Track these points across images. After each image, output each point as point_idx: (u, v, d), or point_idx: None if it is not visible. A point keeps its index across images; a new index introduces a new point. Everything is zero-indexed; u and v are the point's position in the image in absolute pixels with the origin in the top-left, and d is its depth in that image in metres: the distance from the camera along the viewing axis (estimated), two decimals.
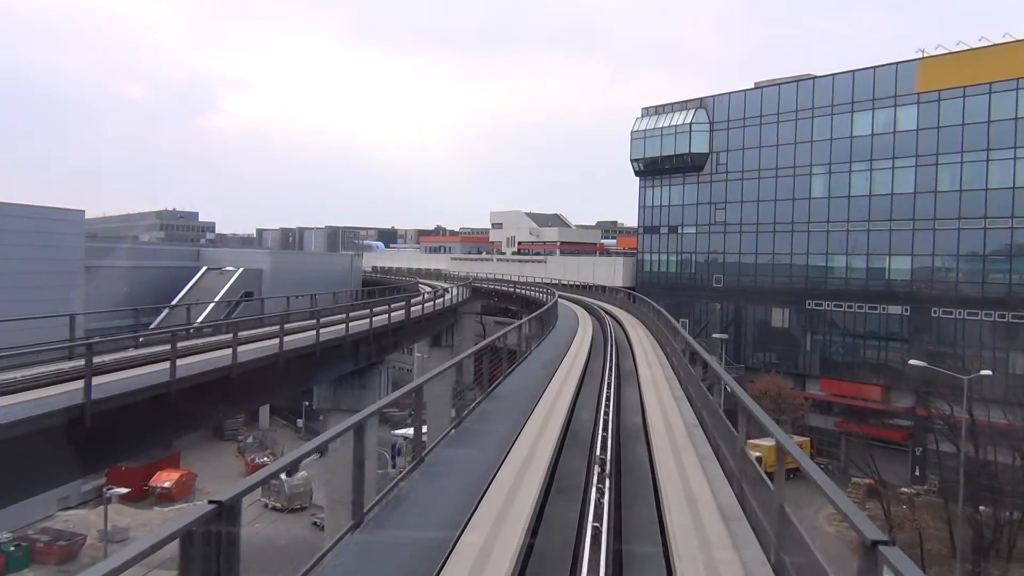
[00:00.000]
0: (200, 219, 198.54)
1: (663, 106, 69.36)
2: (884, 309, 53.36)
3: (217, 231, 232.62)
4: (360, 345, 26.26)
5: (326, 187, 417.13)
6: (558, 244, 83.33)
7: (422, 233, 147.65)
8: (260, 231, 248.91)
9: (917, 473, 50.57)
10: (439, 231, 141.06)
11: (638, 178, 71.86)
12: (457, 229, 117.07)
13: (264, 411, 63.48)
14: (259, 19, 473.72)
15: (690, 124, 65.49)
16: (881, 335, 53.94)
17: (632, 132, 71.11)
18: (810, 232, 57.56)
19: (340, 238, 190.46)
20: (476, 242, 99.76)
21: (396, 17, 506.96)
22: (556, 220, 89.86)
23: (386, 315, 27.66)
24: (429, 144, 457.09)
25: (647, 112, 70.75)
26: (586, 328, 26.88)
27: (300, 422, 61.08)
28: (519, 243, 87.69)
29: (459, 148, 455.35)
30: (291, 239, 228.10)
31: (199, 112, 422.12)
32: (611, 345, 20.07)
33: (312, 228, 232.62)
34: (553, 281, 64.22)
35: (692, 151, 65.41)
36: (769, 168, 60.14)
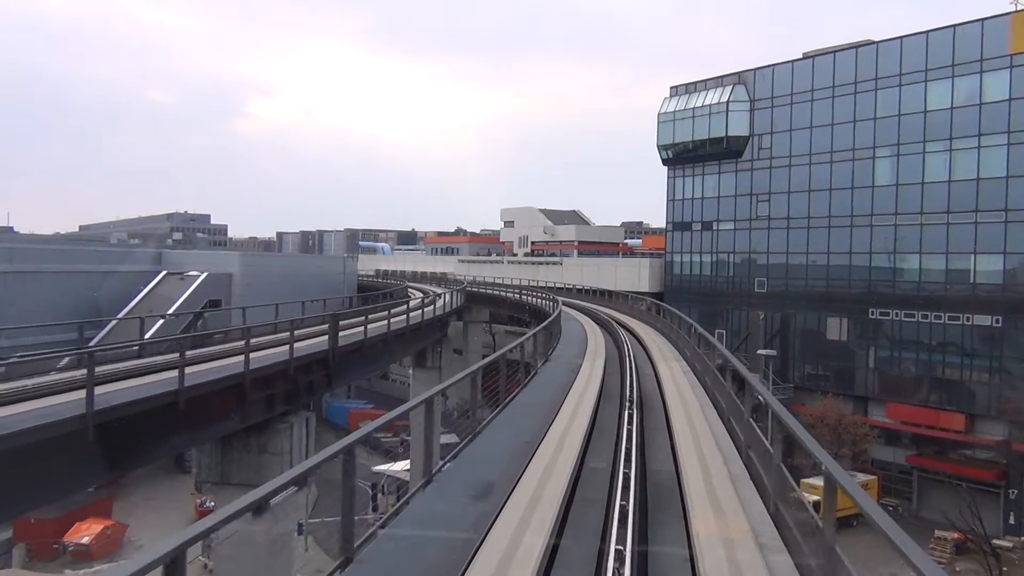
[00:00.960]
0: (212, 221, 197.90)
1: (695, 84, 60.89)
2: (969, 319, 44.41)
3: (238, 235, 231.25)
4: (276, 381, 18.31)
5: (348, 190, 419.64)
6: (575, 244, 75.17)
7: (441, 235, 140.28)
8: (280, 234, 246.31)
9: (1012, 521, 41.68)
10: (459, 232, 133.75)
11: (666, 167, 63.41)
12: (478, 231, 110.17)
13: None
14: (283, 25, 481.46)
15: (727, 103, 56.94)
16: (965, 350, 45.01)
17: (659, 115, 62.71)
18: (873, 227, 48.76)
19: (359, 240, 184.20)
20: (486, 243, 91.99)
21: (417, 22, 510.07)
22: (574, 217, 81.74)
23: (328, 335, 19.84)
24: (451, 147, 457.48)
25: (676, 91, 62.30)
26: (594, 364, 18.55)
27: None
28: (532, 243, 79.65)
29: (480, 151, 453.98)
30: (311, 242, 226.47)
31: (225, 117, 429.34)
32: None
33: (332, 231, 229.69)
34: (567, 286, 56.08)
35: (729, 134, 56.87)
36: (822, 152, 51.45)
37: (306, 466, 5.32)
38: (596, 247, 76.51)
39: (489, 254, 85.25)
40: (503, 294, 53.27)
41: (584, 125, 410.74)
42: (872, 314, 48.71)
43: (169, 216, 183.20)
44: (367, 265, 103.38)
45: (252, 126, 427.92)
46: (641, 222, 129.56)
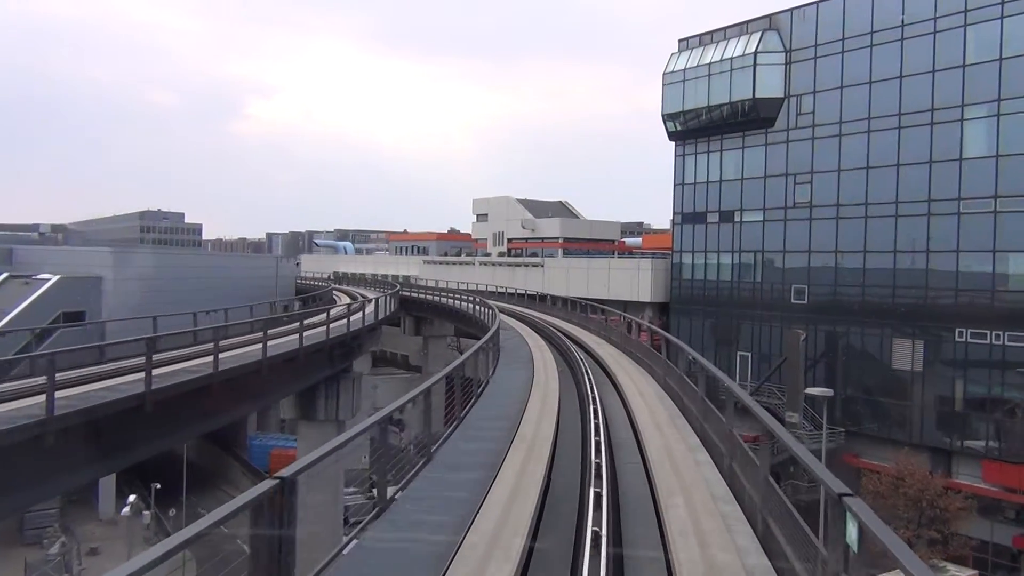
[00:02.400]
0: (188, 221, 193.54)
1: (711, 33, 48.17)
2: None
3: (228, 236, 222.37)
4: None
5: (345, 191, 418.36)
6: (560, 241, 62.34)
7: (442, 237, 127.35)
8: (269, 235, 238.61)
9: None
10: (452, 232, 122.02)
11: (673, 144, 50.59)
12: (455, 230, 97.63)
13: (108, 490, 43.11)
14: (284, 26, 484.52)
15: (754, 54, 44.23)
16: None
17: (665, 75, 49.94)
18: (962, 215, 36.06)
19: (316, 240, 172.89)
20: (457, 241, 79.31)
21: (419, 24, 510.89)
22: (559, 209, 68.90)
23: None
24: (450, 149, 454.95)
25: (687, 44, 49.54)
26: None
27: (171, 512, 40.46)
28: (509, 240, 66.83)
29: (479, 152, 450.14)
30: (300, 242, 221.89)
31: (224, 118, 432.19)
32: None
33: (322, 231, 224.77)
34: (540, 296, 43.60)
35: (758, 96, 44.19)
36: (887, 114, 38.82)
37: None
38: (587, 245, 63.67)
39: (459, 253, 72.48)
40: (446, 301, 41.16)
41: (586, 127, 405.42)
42: (960, 335, 35.87)
43: (141, 214, 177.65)
44: (325, 267, 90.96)
45: (251, 127, 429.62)
46: (641, 223, 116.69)
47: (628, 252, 66.26)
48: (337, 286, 61.02)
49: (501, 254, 66.28)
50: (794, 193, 43.07)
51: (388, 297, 37.16)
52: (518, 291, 50.38)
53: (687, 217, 49.78)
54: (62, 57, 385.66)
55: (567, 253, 62.13)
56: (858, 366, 40.53)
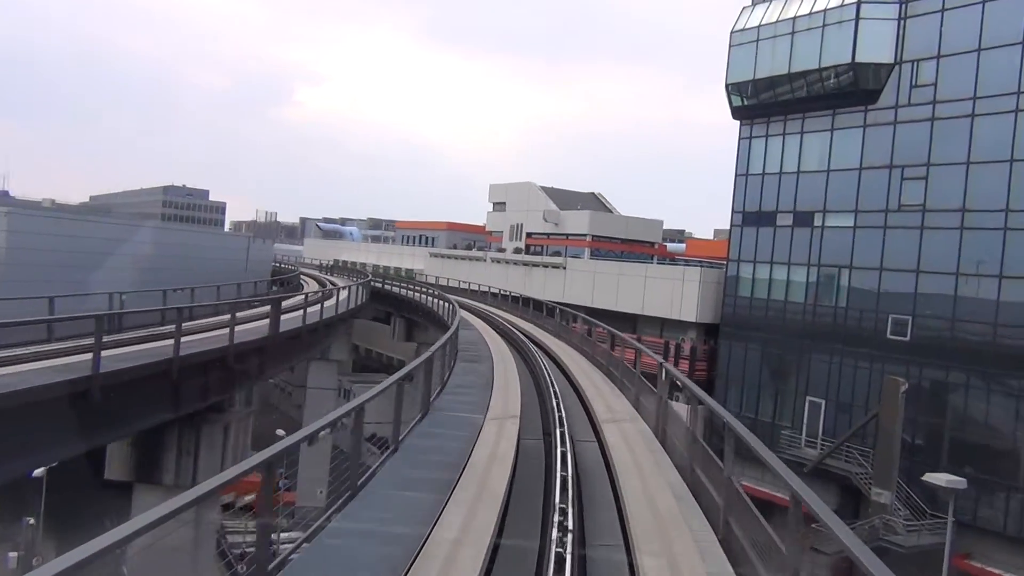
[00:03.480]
0: (211, 198, 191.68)
1: None
2: None
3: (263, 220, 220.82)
4: None
5: (386, 182, 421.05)
6: (588, 239, 52.14)
7: (452, 227, 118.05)
8: (303, 219, 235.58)
9: None
10: (464, 225, 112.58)
11: (738, 123, 40.33)
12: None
13: None
14: (338, 16, 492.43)
15: (856, 4, 33.75)
16: None
17: (733, 33, 39.72)
18: None
19: (319, 224, 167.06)
20: (470, 233, 69.54)
21: (472, 20, 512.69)
22: (591, 201, 58.62)
23: None
24: (495, 145, 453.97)
25: None
26: None
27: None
28: (528, 235, 56.80)
29: (523, 150, 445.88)
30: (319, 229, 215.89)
31: (272, 103, 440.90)
32: None
33: (355, 219, 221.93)
34: (559, 306, 33.70)
35: (859, 60, 33.85)
36: None
37: None
38: (620, 247, 53.42)
39: (470, 247, 62.75)
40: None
41: (632, 132, 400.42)
42: None
43: (165, 189, 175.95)
44: (327, 253, 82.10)
45: (298, 114, 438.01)
46: (683, 231, 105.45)
47: (670, 259, 55.87)
48: (305, 271, 52.52)
49: (517, 250, 56.34)
50: (901, 191, 32.54)
51: (360, 287, 27.82)
52: (513, 296, 40.38)
53: (750, 218, 39.42)
54: (120, 32, 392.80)
55: (596, 254, 51.98)
56: (979, 433, 29.89)
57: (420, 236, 74.44)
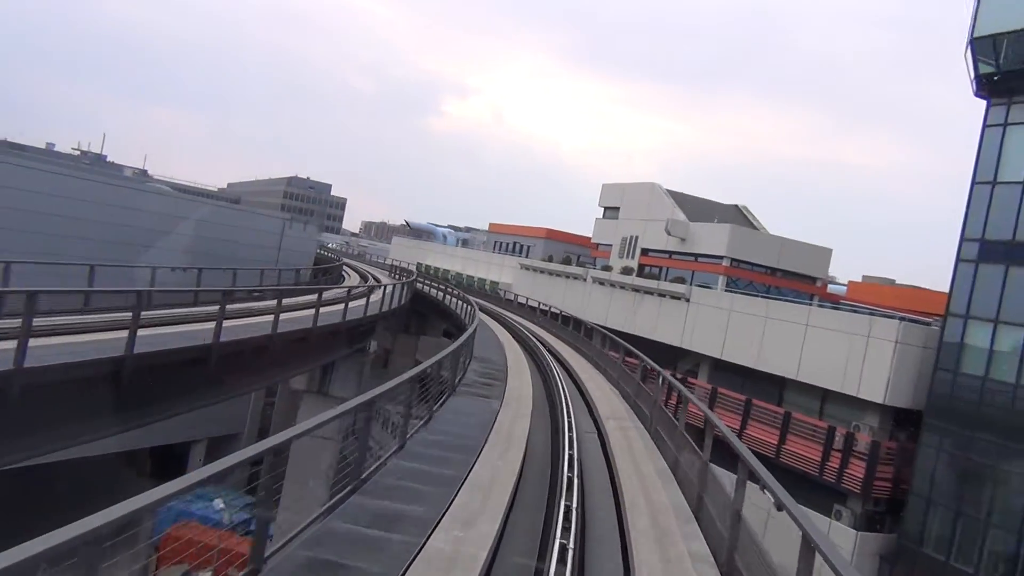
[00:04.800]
0: (334, 194, 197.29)
1: None
2: None
3: (374, 218, 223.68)
4: None
5: (518, 197, 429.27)
6: (725, 265, 38.31)
7: (552, 235, 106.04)
8: (407, 223, 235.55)
9: None
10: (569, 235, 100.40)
11: (986, 103, 25.96)
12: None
13: None
14: (490, 31, 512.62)
15: None
16: None
17: None
18: None
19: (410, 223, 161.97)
20: (572, 244, 56.62)
21: (619, 46, 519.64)
22: (731, 215, 44.53)
23: None
24: (629, 170, 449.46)
25: None
26: None
27: None
28: (644, 251, 43.56)
29: (657, 177, 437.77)
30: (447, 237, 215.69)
31: (419, 112, 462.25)
32: None
33: (479, 229, 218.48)
34: (679, 353, 20.33)
35: None
36: None
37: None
38: (768, 279, 39.30)
39: (570, 261, 50.08)
40: None
41: (774, 168, 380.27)
42: None
43: (288, 180, 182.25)
44: (412, 255, 72.02)
45: (442, 124, 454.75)
46: (893, 280, 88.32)
47: (834, 304, 40.95)
48: (349, 262, 44.30)
49: (627, 270, 43.18)
50: None
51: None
52: (642, 339, 27.39)
53: (996, 251, 24.97)
54: (284, 35, 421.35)
55: (733, 285, 38.18)
56: None
57: (514, 243, 62.43)
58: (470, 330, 18.34)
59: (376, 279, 44.14)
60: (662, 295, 38.65)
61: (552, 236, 58.43)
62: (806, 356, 29.32)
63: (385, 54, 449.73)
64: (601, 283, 44.04)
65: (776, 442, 29.67)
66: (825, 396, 29.19)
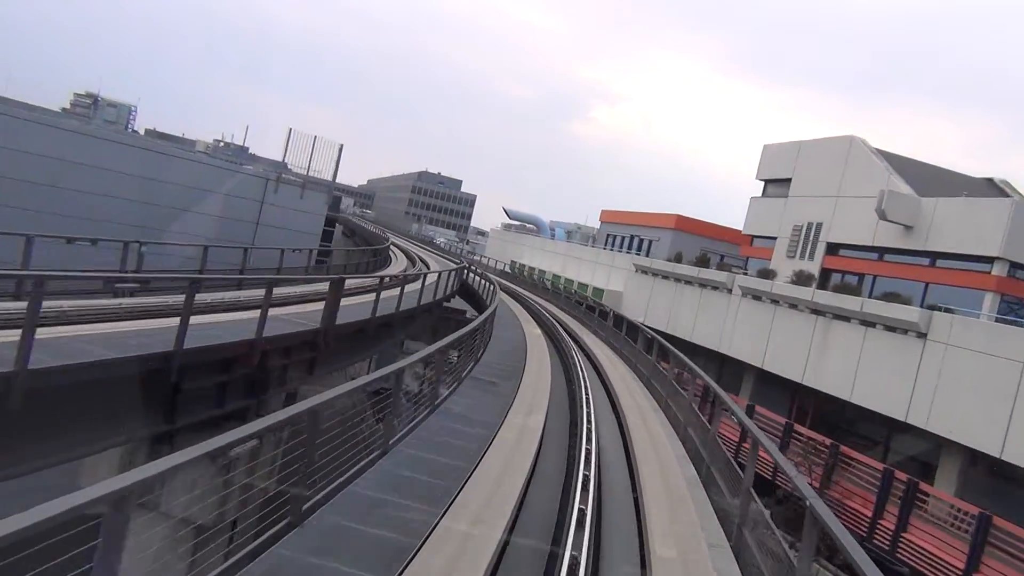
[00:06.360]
0: (464, 190, 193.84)
1: None
2: None
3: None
4: None
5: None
6: (996, 275, 21.34)
7: (682, 224, 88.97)
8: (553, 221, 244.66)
9: None
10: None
11: None
12: None
13: None
14: (642, 38, 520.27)
15: None
16: None
17: None
18: None
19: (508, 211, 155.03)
20: (713, 239, 39.66)
21: (775, 50, 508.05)
22: (981, 191, 26.87)
23: None
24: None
25: None
26: None
27: None
28: (832, 248, 26.89)
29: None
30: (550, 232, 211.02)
31: (567, 118, 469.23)
32: None
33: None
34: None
35: None
36: None
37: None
38: None
39: (708, 261, 33.47)
40: None
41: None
42: None
43: (419, 175, 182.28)
44: (508, 253, 58.00)
45: (590, 130, 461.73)
46: None
47: None
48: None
49: (801, 277, 26.51)
50: None
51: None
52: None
53: None
54: (443, 42, 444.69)
55: (1011, 308, 21.06)
56: None
57: (631, 237, 46.09)
58: None
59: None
60: (870, 324, 21.98)
61: (683, 226, 41.75)
62: None
63: (538, 62, 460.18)
64: (756, 297, 27.64)
65: None
66: None
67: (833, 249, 27.67)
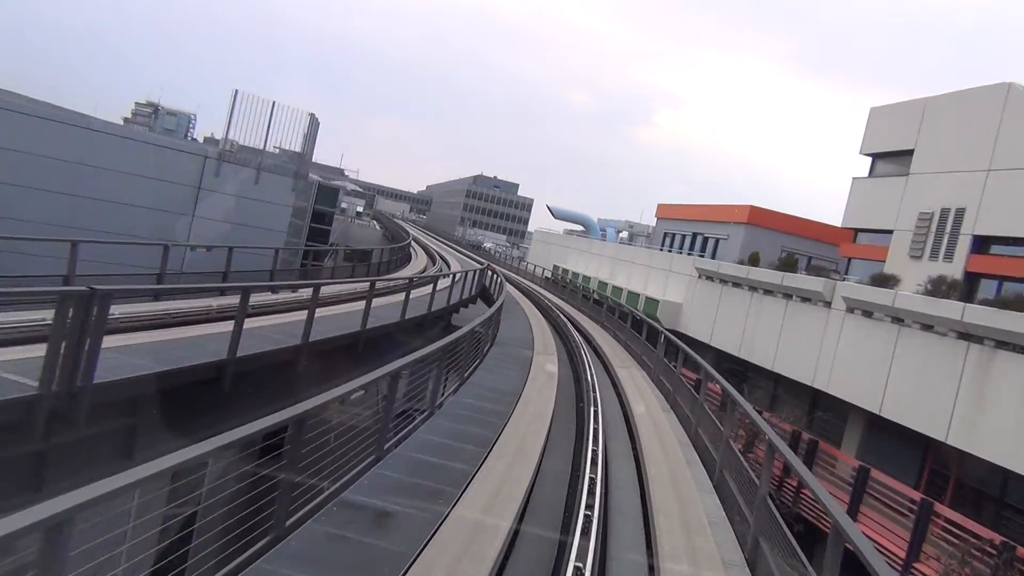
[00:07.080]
0: (520, 193, 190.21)
1: None
2: None
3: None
4: None
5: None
6: None
7: (755, 218, 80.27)
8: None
9: None
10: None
11: None
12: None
13: None
14: (705, 40, 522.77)
15: None
16: None
17: None
18: None
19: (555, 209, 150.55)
20: (797, 236, 31.98)
21: (850, 50, 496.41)
22: None
23: None
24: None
25: None
26: None
27: None
28: (978, 242, 19.30)
29: None
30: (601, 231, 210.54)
31: (631, 122, 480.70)
32: None
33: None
34: None
35: None
36: None
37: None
38: None
39: (794, 264, 25.96)
40: None
41: None
42: None
43: (474, 179, 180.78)
44: (550, 257, 51.34)
45: (654, 135, 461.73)
46: None
47: None
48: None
49: (939, 287, 18.83)
50: None
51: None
52: None
53: None
54: (502, 51, 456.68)
55: None
56: None
57: (694, 235, 38.26)
58: None
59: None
60: None
61: (759, 220, 33.80)
62: None
63: (600, 67, 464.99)
64: (868, 313, 19.90)
65: None
66: None
67: (983, 244, 19.74)
